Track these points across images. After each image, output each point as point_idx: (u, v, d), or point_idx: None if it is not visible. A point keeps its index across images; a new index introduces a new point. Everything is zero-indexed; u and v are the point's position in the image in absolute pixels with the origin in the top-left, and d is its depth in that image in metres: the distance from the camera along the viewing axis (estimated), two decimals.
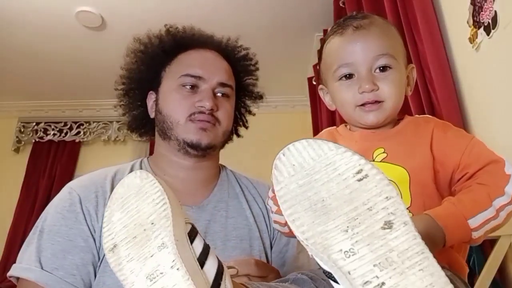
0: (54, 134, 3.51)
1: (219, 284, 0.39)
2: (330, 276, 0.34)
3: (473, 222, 0.54)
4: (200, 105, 0.84)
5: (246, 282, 0.50)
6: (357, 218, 0.34)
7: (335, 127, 0.78)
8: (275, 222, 0.71)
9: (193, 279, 0.36)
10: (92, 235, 0.76)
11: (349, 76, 0.66)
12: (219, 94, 0.89)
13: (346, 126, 0.75)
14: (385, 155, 0.65)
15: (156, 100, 0.91)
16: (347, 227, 0.33)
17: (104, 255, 0.73)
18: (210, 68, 0.89)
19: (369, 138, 0.69)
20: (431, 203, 0.60)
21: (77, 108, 3.56)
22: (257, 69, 1.02)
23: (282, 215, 0.38)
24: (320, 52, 0.76)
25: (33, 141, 3.50)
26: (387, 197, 0.34)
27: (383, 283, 0.31)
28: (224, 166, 1.01)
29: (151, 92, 0.94)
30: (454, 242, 0.55)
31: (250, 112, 1.05)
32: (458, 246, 0.62)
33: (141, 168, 0.90)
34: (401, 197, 0.36)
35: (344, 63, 0.66)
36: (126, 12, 2.40)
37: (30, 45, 2.74)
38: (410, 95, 1.40)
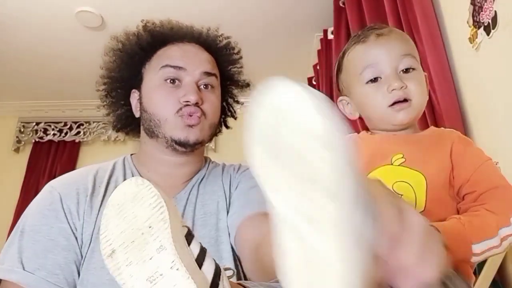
0: (54, 134, 3.51)
1: (218, 284, 0.40)
2: None
3: (477, 248, 0.55)
4: (184, 100, 0.82)
5: (244, 282, 0.50)
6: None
7: (359, 133, 0.79)
8: None
9: (193, 278, 0.36)
10: (73, 233, 0.75)
11: (374, 80, 0.68)
12: (203, 87, 0.86)
13: (367, 131, 0.76)
14: (403, 159, 0.65)
15: (140, 98, 0.90)
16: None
17: (86, 252, 0.73)
18: (192, 60, 0.86)
19: (390, 141, 0.70)
20: (444, 210, 0.62)
21: (77, 108, 3.56)
22: (241, 57, 1.00)
23: None
24: (339, 64, 0.77)
25: (33, 141, 3.50)
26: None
27: None
28: (208, 159, 0.98)
29: (134, 90, 0.92)
30: (453, 258, 0.54)
31: (238, 102, 1.03)
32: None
33: (123, 165, 0.89)
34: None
35: (370, 63, 0.68)
36: (126, 12, 2.40)
37: (30, 45, 2.75)
38: None
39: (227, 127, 1.03)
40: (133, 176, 0.86)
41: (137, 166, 0.90)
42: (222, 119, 1.00)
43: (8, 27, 2.57)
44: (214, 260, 0.42)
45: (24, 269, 0.70)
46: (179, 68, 0.85)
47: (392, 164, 0.66)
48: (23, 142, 3.51)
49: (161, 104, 0.84)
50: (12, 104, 3.55)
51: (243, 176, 0.90)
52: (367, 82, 0.69)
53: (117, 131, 0.99)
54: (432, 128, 0.74)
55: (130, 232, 0.39)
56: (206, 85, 0.87)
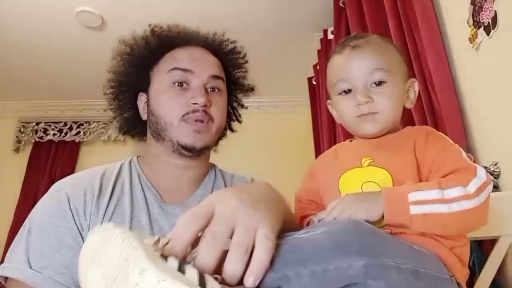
0: (54, 134, 3.51)
1: (205, 284, 0.41)
2: None
3: (413, 196, 0.56)
4: (193, 102, 0.83)
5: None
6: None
7: (342, 142, 0.82)
8: None
9: (182, 281, 0.38)
10: (80, 234, 0.75)
11: (348, 91, 0.72)
12: (210, 90, 0.87)
13: (350, 140, 0.79)
14: (371, 160, 0.69)
15: (148, 101, 0.90)
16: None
17: None
18: (199, 63, 0.87)
19: (362, 147, 0.73)
20: None
21: (77, 108, 3.57)
22: (246, 61, 1.01)
23: None
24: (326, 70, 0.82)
25: (33, 141, 3.50)
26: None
27: None
28: (213, 165, 1.00)
29: (141, 93, 0.93)
30: (392, 210, 0.57)
31: (242, 106, 1.04)
32: (456, 249, 0.61)
33: (130, 167, 0.90)
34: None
35: (342, 77, 0.72)
36: (126, 12, 2.40)
37: (30, 45, 2.75)
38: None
39: (232, 130, 1.04)
40: (139, 178, 0.88)
41: (143, 168, 0.91)
42: (227, 123, 1.00)
43: (8, 27, 2.57)
44: (196, 269, 0.43)
45: (31, 268, 0.71)
46: (187, 71, 0.85)
47: (361, 166, 0.69)
48: (23, 142, 3.51)
49: (168, 107, 0.84)
50: (12, 104, 3.55)
51: None
52: (340, 93, 0.73)
53: (124, 134, 1.00)
54: (407, 128, 0.75)
55: (110, 274, 0.41)
56: (213, 88, 0.88)
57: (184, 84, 0.85)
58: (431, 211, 0.56)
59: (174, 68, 0.85)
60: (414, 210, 0.56)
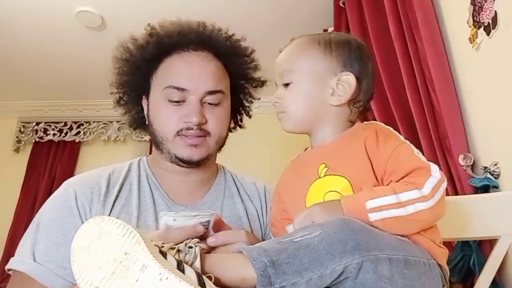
0: (54, 134, 3.52)
1: (204, 284, 0.42)
2: None
3: (370, 204, 0.58)
4: (186, 121, 0.82)
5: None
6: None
7: (298, 154, 0.82)
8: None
9: (184, 280, 0.38)
10: None
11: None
12: (207, 104, 0.85)
13: (305, 149, 0.80)
14: (326, 169, 0.69)
15: (148, 110, 0.90)
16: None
17: None
18: (196, 77, 0.84)
19: (316, 154, 0.73)
20: None
21: (77, 108, 3.57)
22: (253, 57, 0.99)
23: None
24: None
25: (33, 141, 3.51)
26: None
27: None
28: (222, 166, 1.00)
29: (144, 96, 0.92)
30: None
31: (254, 98, 1.02)
32: (427, 232, 0.63)
33: (139, 167, 0.90)
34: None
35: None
36: (126, 12, 2.40)
37: (30, 45, 2.74)
38: (409, 94, 1.42)
39: (240, 127, 1.03)
40: (147, 178, 0.89)
41: (152, 168, 0.91)
42: (236, 120, 1.01)
43: (8, 27, 2.56)
44: (193, 269, 0.44)
45: (34, 261, 0.73)
46: (183, 90, 0.83)
47: (320, 177, 0.69)
48: (23, 142, 3.51)
49: (163, 121, 0.84)
50: (12, 104, 3.55)
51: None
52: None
53: (135, 129, 1.01)
54: (356, 125, 0.74)
55: (107, 266, 0.40)
56: (210, 102, 0.86)
57: (180, 101, 0.84)
58: (388, 216, 0.58)
59: (169, 86, 0.83)
60: (373, 217, 0.58)
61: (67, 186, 0.83)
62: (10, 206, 3.20)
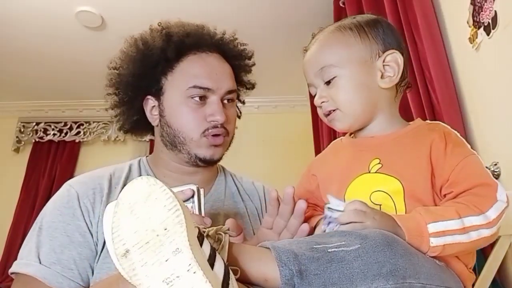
0: (54, 134, 3.52)
1: (228, 284, 0.41)
2: None
3: (433, 228, 0.54)
4: (212, 120, 0.84)
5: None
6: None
7: (341, 138, 0.78)
8: None
9: (209, 281, 0.37)
10: (89, 231, 0.77)
11: (316, 95, 0.73)
12: (226, 101, 0.89)
13: (350, 135, 0.76)
14: (380, 165, 0.64)
15: (161, 111, 0.89)
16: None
17: (101, 250, 0.76)
18: (217, 77, 0.87)
19: (366, 146, 0.69)
20: None
21: (77, 108, 3.57)
22: (254, 64, 1.01)
23: None
24: None
25: (33, 141, 3.51)
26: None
27: None
28: (221, 166, 1.01)
29: (148, 97, 0.90)
30: (411, 241, 0.54)
31: (243, 103, 1.04)
32: (464, 257, 0.60)
33: (139, 168, 0.91)
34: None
35: (308, 82, 0.73)
36: (126, 12, 2.40)
37: (30, 45, 2.74)
38: (409, 94, 1.41)
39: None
40: None
41: (153, 168, 0.92)
42: None
43: (8, 27, 2.56)
44: (222, 259, 0.43)
45: (40, 263, 0.73)
46: (207, 89, 0.85)
47: (369, 172, 0.64)
48: (23, 142, 3.51)
49: (187, 122, 0.85)
50: (12, 104, 3.55)
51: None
52: (312, 96, 0.73)
53: (125, 133, 0.99)
54: (416, 122, 0.70)
55: (144, 233, 0.39)
56: (228, 100, 0.89)
57: (203, 98, 0.86)
58: (451, 241, 0.54)
59: (194, 87, 0.85)
60: (435, 242, 0.54)
61: (69, 187, 0.83)
62: (10, 206, 3.20)
